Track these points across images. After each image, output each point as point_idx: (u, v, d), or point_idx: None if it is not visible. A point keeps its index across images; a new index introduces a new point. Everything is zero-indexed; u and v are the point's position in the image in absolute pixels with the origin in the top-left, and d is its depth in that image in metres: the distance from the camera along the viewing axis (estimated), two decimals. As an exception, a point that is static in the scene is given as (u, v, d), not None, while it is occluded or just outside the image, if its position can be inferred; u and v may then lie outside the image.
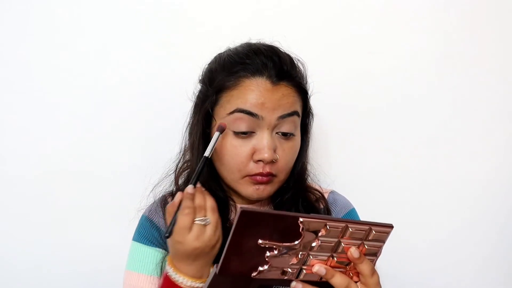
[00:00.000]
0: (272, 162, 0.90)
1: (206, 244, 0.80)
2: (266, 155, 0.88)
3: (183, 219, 0.80)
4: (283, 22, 1.27)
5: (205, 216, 0.81)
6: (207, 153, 0.86)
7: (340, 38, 1.29)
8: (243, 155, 0.90)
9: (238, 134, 0.90)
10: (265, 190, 0.92)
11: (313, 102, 1.02)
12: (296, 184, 0.99)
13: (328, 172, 1.22)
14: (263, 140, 0.89)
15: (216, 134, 0.87)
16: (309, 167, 1.05)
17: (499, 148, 1.37)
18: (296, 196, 0.99)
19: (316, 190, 1.04)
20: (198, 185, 0.84)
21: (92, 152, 1.24)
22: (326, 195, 1.05)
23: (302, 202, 1.00)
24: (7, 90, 1.22)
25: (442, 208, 1.35)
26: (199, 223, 0.80)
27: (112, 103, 1.24)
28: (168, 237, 0.80)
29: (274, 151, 0.90)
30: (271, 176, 0.91)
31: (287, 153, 0.92)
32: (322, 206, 1.02)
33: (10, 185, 1.23)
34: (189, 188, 0.82)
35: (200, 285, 0.82)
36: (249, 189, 0.92)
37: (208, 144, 0.89)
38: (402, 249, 1.27)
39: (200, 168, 0.85)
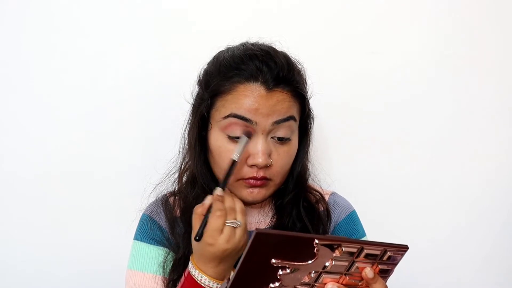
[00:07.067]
0: (266, 166, 0.90)
1: (235, 246, 0.82)
2: (260, 160, 0.88)
3: (215, 221, 0.81)
4: (282, 23, 1.26)
5: (235, 218, 0.83)
6: (234, 157, 0.86)
7: (340, 38, 1.29)
8: None
9: (232, 138, 0.90)
10: (259, 194, 0.92)
11: (314, 103, 1.02)
12: (296, 185, 0.99)
13: (329, 173, 1.21)
14: (257, 145, 0.89)
15: (243, 139, 0.87)
16: (310, 167, 1.05)
17: (499, 149, 1.37)
18: (297, 198, 0.99)
19: (316, 191, 1.04)
20: (226, 189, 0.87)
21: (92, 152, 1.24)
22: (326, 197, 1.05)
23: (303, 203, 0.99)
24: (7, 90, 1.22)
25: (442, 208, 1.36)
26: (230, 226, 0.82)
27: (112, 103, 1.24)
28: (198, 240, 0.81)
29: (269, 156, 0.90)
30: (265, 180, 0.91)
31: (282, 158, 0.92)
32: (322, 208, 1.02)
33: (10, 186, 1.23)
34: (219, 190, 0.85)
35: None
36: (243, 192, 0.92)
37: (205, 146, 0.94)
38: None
39: (229, 172, 0.86)
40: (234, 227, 0.82)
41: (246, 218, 0.86)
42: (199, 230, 0.81)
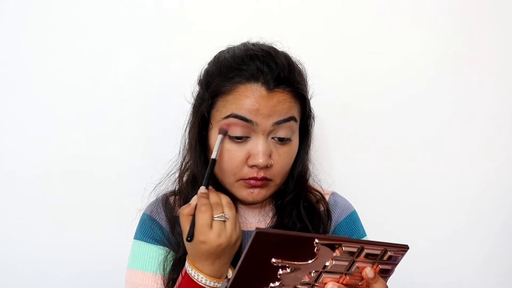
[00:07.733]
0: (267, 167, 0.90)
1: (228, 240, 0.82)
2: (260, 160, 0.88)
3: (202, 217, 0.81)
4: (282, 23, 1.26)
5: (222, 212, 0.83)
6: (213, 155, 0.88)
7: (340, 38, 1.29)
8: (238, 159, 0.90)
9: (233, 138, 0.90)
10: (260, 194, 0.92)
11: (314, 103, 1.02)
12: (297, 186, 0.99)
13: (329, 173, 1.21)
14: (258, 146, 0.89)
15: (219, 137, 0.89)
16: (310, 167, 1.05)
17: (499, 149, 1.36)
18: (297, 198, 0.99)
19: (317, 191, 1.04)
20: (210, 187, 0.87)
21: (92, 152, 1.24)
22: (327, 197, 1.05)
23: (303, 203, 0.99)
24: (7, 90, 1.22)
25: (443, 208, 1.36)
26: (219, 220, 0.82)
27: (112, 103, 1.24)
28: (190, 240, 0.81)
29: (270, 156, 0.90)
30: (265, 180, 0.91)
31: (282, 158, 0.92)
32: (322, 208, 1.01)
33: (10, 186, 1.23)
34: (202, 188, 0.85)
35: (219, 285, 0.83)
36: (243, 193, 0.92)
37: (205, 146, 0.94)
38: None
39: (209, 170, 0.87)
40: (223, 220, 0.82)
41: (235, 211, 0.85)
42: (190, 230, 0.81)
